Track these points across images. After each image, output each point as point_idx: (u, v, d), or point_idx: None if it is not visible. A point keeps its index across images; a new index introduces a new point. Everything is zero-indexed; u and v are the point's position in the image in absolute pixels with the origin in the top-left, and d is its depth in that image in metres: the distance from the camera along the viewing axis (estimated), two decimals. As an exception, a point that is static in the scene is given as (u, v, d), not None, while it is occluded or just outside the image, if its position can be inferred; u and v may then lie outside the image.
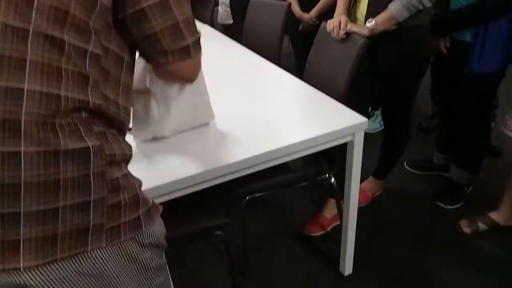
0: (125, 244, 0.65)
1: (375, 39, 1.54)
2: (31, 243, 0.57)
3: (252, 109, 1.44)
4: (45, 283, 0.59)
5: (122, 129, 0.72)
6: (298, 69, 2.39)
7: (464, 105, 1.84)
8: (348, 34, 1.52)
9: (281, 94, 1.57)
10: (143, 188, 1.02)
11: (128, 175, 0.69)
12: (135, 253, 0.67)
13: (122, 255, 0.65)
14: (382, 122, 2.69)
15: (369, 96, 1.96)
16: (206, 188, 1.17)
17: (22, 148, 0.55)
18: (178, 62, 0.72)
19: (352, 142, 1.36)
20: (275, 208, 2.11)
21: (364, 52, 1.47)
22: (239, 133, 1.29)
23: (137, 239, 0.67)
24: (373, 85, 1.88)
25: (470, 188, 2.07)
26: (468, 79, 1.74)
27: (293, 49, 2.70)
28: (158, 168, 1.13)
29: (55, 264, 0.58)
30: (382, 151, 2.02)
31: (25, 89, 0.55)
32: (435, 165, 2.23)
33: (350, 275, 1.70)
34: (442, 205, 2.02)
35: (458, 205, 2.02)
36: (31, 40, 0.56)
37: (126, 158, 0.70)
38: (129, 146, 0.72)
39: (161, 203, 1.08)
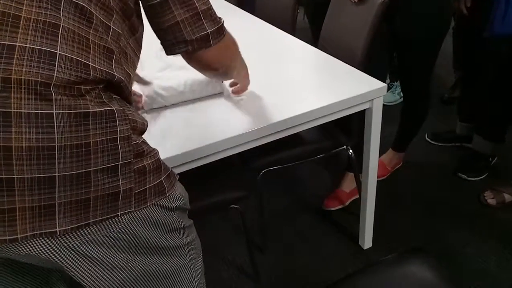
0: (151, 209, 0.67)
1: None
2: (66, 207, 0.58)
3: (267, 78, 1.39)
4: (77, 246, 0.60)
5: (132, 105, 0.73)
6: (314, 41, 2.31)
7: (487, 71, 1.74)
8: (366, -5, 1.44)
9: (296, 62, 1.51)
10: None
11: (146, 142, 0.70)
12: (161, 218, 0.69)
13: (149, 220, 0.67)
14: (401, 94, 2.60)
15: (386, 65, 1.88)
16: (221, 162, 1.14)
17: (54, 110, 0.55)
18: (198, 51, 0.75)
19: (370, 109, 1.30)
20: (292, 182, 2.08)
21: (382, 13, 1.38)
22: (254, 102, 1.24)
23: (162, 204, 0.68)
24: (391, 55, 1.80)
25: (495, 158, 1.99)
26: (490, 42, 1.64)
27: (308, 20, 2.61)
28: (171, 139, 1.11)
29: (88, 228, 0.60)
30: (402, 121, 1.95)
31: (58, 54, 0.56)
32: (457, 136, 2.15)
33: (370, 248, 1.66)
34: (465, 177, 1.95)
35: (482, 177, 1.94)
36: (63, 7, 0.58)
37: (144, 128, 0.70)
38: (144, 119, 0.73)
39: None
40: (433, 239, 1.67)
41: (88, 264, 0.63)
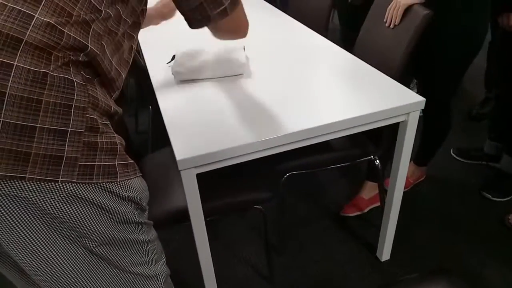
0: (97, 189, 0.66)
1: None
2: (4, 154, 0.58)
3: (300, 82, 1.37)
4: (8, 197, 0.60)
5: (110, 90, 0.74)
6: (343, 44, 2.28)
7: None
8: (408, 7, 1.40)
9: (331, 67, 1.49)
10: (188, 156, 1.04)
11: (109, 126, 0.71)
12: (110, 203, 0.68)
13: (95, 201, 0.66)
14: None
15: (411, 76, 1.83)
16: (247, 163, 1.13)
17: (16, 62, 0.58)
18: (218, 21, 0.88)
19: (405, 122, 1.27)
20: (312, 187, 2.07)
21: (425, 25, 1.35)
22: (285, 107, 1.23)
23: (112, 188, 0.68)
24: (417, 66, 1.75)
25: (523, 181, 1.94)
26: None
27: (340, 22, 2.58)
28: (199, 140, 1.10)
29: (22, 182, 0.60)
30: (423, 137, 1.90)
31: (36, 17, 0.60)
32: (484, 154, 2.10)
33: (387, 261, 1.64)
34: (490, 196, 1.91)
35: (507, 198, 1.90)
36: None
37: (110, 112, 0.72)
38: (118, 107, 0.75)
39: (202, 173, 1.07)
40: (452, 258, 1.64)
41: (8, 220, 0.62)
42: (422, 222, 1.82)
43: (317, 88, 1.33)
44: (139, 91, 2.89)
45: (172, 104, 1.27)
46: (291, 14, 2.12)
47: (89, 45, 0.65)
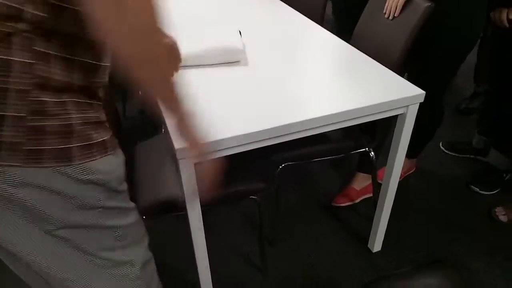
0: (47, 173, 0.62)
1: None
2: None
3: (296, 72, 1.35)
4: None
5: (93, 56, 0.66)
6: (337, 33, 2.27)
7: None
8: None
9: (329, 58, 1.47)
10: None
11: (67, 104, 0.63)
12: (61, 187, 0.64)
13: (46, 185, 0.62)
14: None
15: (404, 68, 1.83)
16: (242, 153, 1.11)
17: None
18: None
19: (404, 115, 1.27)
20: (304, 178, 2.07)
21: (427, 17, 1.34)
22: (279, 97, 1.21)
23: (66, 171, 0.64)
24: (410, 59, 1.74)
25: (509, 175, 1.98)
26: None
27: (334, 14, 2.56)
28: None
29: None
30: (413, 130, 1.91)
31: None
32: (473, 148, 2.14)
33: (378, 252, 1.66)
34: (477, 189, 1.95)
35: (494, 191, 1.94)
36: None
37: (71, 86, 0.64)
38: (97, 79, 0.67)
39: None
40: (440, 250, 1.67)
41: None
42: (411, 214, 1.84)
43: (315, 79, 1.31)
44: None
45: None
46: (286, 4, 2.09)
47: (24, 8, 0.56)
